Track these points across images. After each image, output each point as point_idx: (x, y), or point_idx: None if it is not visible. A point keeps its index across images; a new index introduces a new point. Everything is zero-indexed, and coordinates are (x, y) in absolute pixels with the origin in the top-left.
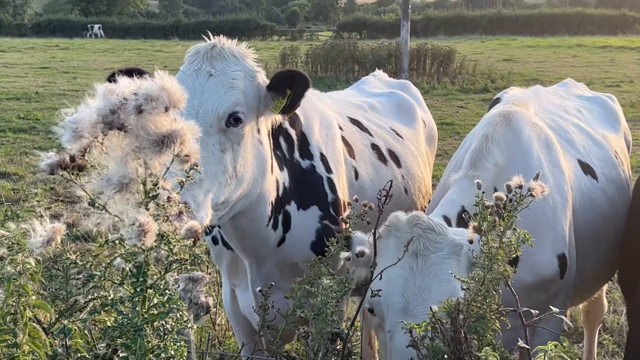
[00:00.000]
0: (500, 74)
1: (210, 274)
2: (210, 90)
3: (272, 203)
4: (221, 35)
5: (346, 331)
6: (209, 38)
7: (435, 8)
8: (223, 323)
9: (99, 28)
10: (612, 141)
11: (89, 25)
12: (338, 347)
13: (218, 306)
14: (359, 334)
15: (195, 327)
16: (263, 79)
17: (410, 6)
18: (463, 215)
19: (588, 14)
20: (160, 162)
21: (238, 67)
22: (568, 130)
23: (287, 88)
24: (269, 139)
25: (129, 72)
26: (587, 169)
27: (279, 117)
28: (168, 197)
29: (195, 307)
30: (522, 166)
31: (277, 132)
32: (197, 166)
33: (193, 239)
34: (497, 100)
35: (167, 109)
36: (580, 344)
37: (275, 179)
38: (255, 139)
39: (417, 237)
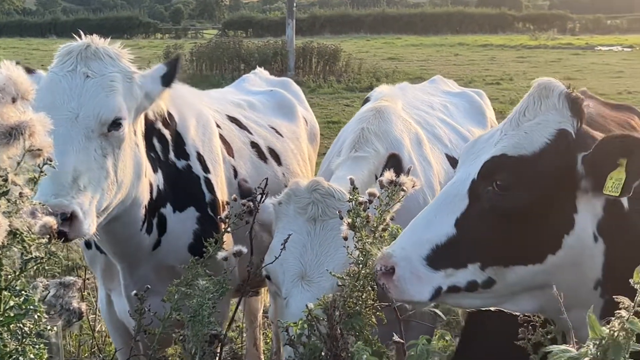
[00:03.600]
0: (385, 72)
1: (88, 279)
2: (90, 93)
3: (145, 207)
4: (94, 35)
5: (224, 332)
6: (80, 37)
7: (321, 6)
8: (104, 330)
9: None
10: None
11: None
12: (216, 350)
13: (98, 312)
14: (244, 335)
15: (57, 331)
16: (139, 80)
17: (295, 4)
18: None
19: (469, 13)
20: (8, 155)
21: (115, 69)
22: (435, 125)
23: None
24: (143, 141)
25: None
26: (455, 163)
27: (164, 96)
28: (20, 194)
29: (67, 314)
30: None
31: (149, 134)
32: (50, 161)
33: (48, 236)
34: (367, 100)
35: (14, 100)
36: None
37: (149, 181)
38: (132, 142)
39: (315, 202)
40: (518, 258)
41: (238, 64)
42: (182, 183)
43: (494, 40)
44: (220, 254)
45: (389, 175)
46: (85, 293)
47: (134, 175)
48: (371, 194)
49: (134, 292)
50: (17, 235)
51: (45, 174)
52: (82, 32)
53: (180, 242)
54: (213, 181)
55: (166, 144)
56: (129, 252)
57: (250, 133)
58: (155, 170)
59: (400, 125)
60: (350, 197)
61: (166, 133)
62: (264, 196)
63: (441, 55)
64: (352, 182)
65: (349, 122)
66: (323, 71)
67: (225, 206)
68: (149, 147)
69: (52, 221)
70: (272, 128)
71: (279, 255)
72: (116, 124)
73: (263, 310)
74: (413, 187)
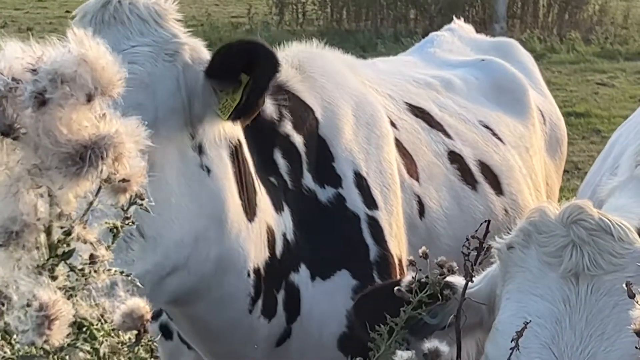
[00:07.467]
0: None
1: None
2: None
3: (257, 271)
4: None
5: None
6: None
7: None
8: None
9: None
10: None
11: None
12: None
13: None
14: None
15: None
16: (191, 57)
17: None
18: None
19: None
20: (77, 192)
21: (146, 39)
22: None
23: (241, 72)
24: (242, 158)
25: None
26: None
27: (227, 127)
28: (92, 256)
29: None
30: None
31: (267, 143)
32: (143, 199)
33: (137, 331)
34: None
35: (90, 98)
36: None
37: (266, 228)
38: (192, 165)
39: (577, 243)
40: None
41: (405, 11)
42: (327, 227)
43: None
44: (401, 354)
45: None
46: None
47: (203, 222)
48: None
49: None
50: (85, 329)
51: (135, 224)
52: None
53: (326, 332)
54: (382, 223)
55: (298, 160)
56: (235, 349)
57: (448, 136)
58: (278, 208)
59: None
60: None
61: (298, 140)
62: (485, 250)
63: None
64: None
65: (628, 119)
66: (557, 23)
67: (405, 268)
68: (266, 167)
69: (142, 307)
70: (486, 127)
71: (517, 341)
72: None
73: None
74: None
